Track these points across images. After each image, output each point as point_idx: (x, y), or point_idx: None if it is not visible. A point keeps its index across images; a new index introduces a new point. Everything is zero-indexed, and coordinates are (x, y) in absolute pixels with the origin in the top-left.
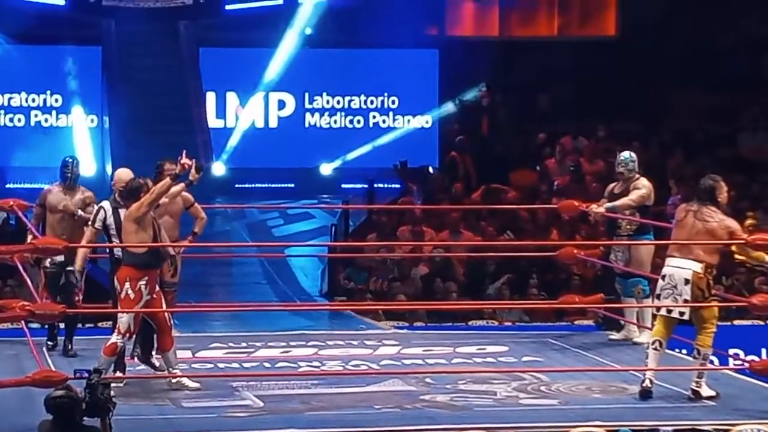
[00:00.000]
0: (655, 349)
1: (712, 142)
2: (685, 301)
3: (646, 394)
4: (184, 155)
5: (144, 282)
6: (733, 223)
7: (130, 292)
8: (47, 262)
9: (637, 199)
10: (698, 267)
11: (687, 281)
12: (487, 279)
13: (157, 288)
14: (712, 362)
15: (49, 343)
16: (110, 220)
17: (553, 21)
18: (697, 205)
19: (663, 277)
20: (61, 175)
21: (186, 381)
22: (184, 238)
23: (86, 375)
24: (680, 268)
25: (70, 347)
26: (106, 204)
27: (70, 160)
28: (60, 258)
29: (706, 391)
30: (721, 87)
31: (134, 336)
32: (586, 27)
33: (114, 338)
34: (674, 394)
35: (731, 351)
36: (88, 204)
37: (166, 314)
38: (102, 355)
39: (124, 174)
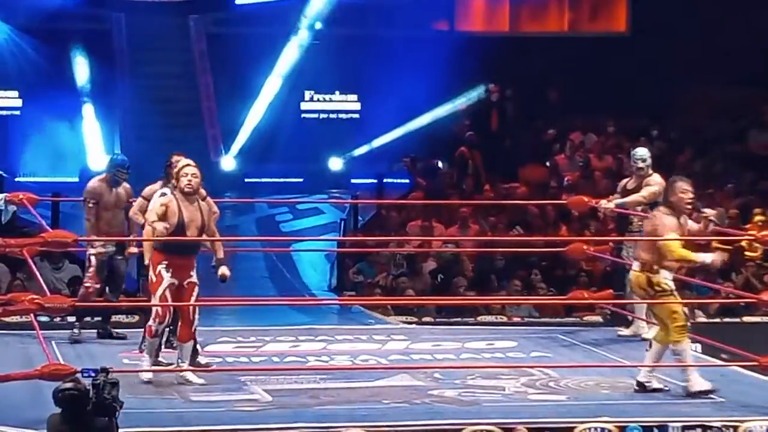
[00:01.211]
0: (646, 350)
1: (722, 138)
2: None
3: (640, 389)
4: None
5: (164, 265)
6: (654, 224)
7: (152, 275)
8: (100, 248)
9: (648, 195)
10: (636, 266)
11: (629, 281)
12: (496, 274)
13: (191, 279)
14: (695, 355)
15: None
16: None
17: (564, 17)
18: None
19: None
20: (115, 177)
21: (191, 377)
22: None
23: (93, 375)
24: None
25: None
26: (167, 190)
27: (125, 162)
28: (111, 247)
29: (698, 384)
30: (732, 83)
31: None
32: (597, 23)
33: (150, 322)
34: (683, 390)
35: None
36: (130, 196)
37: (190, 306)
38: (145, 336)
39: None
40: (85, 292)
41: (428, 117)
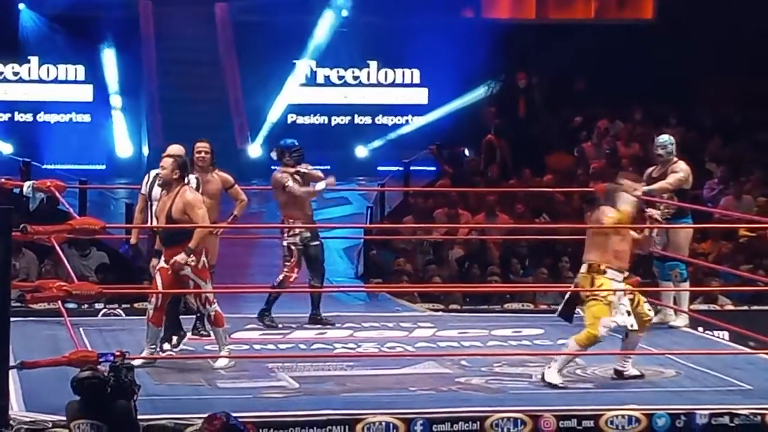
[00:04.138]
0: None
1: (751, 126)
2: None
3: (617, 376)
4: None
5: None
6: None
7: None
8: (297, 240)
9: (674, 182)
10: (583, 268)
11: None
12: (522, 262)
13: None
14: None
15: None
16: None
17: (590, 4)
18: None
19: None
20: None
21: (222, 362)
22: (224, 219)
23: (110, 359)
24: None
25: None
26: (192, 177)
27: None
28: (307, 234)
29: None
30: (759, 71)
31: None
32: (623, 10)
33: (212, 309)
34: (711, 378)
35: None
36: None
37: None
38: (216, 329)
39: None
40: (283, 280)
41: (455, 103)
